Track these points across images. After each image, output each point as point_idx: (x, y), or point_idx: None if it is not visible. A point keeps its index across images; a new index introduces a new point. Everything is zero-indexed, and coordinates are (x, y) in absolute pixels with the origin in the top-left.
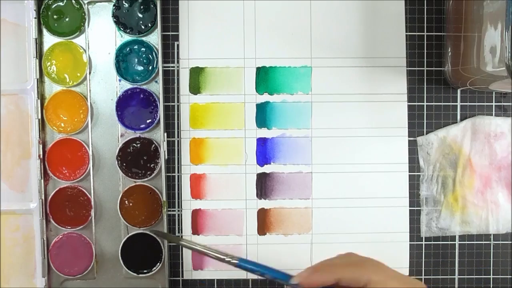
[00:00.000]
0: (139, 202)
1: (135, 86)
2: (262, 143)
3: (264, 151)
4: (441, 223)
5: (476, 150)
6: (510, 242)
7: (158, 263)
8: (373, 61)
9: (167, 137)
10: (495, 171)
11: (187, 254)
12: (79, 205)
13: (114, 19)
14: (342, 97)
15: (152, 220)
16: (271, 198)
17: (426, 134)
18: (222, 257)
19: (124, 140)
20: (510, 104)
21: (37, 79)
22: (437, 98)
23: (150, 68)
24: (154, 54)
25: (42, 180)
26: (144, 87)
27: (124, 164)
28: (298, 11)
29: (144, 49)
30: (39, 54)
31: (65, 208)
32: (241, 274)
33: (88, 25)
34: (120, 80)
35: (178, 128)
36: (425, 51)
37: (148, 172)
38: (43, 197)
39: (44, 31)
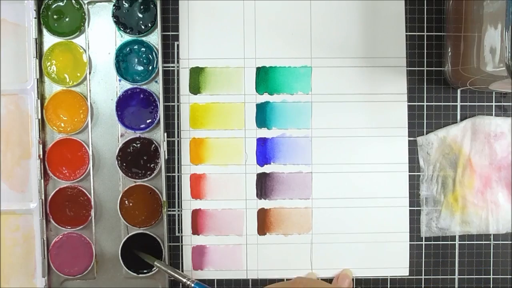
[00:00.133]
0: (139, 202)
1: (135, 86)
2: (262, 143)
3: (264, 151)
4: (441, 223)
5: (476, 150)
6: (510, 242)
7: None
8: (373, 61)
9: (167, 137)
10: (495, 171)
11: (187, 254)
12: (79, 205)
13: (114, 19)
14: (342, 97)
15: (152, 220)
16: (271, 198)
17: (426, 134)
18: (182, 279)
19: (124, 140)
20: (510, 104)
21: (37, 79)
22: (437, 98)
23: (150, 68)
24: (154, 54)
25: (42, 180)
26: (144, 87)
27: (124, 164)
28: (298, 11)
29: (144, 49)
30: (39, 54)
31: (65, 208)
32: (241, 274)
33: (88, 25)
34: (120, 80)
35: (178, 128)
36: (425, 51)
37: (148, 172)
38: (43, 197)
39: (44, 31)
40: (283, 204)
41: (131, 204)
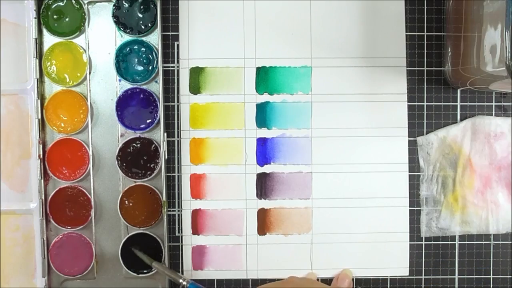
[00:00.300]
0: (139, 202)
1: (135, 86)
2: (262, 143)
3: (264, 151)
4: (441, 223)
5: (476, 150)
6: (510, 242)
7: None
8: (373, 61)
9: (167, 137)
10: (495, 171)
11: (187, 254)
12: (79, 205)
13: (114, 19)
14: (342, 97)
15: (152, 220)
16: (271, 198)
17: (426, 134)
18: (178, 279)
19: (124, 140)
20: (510, 104)
21: (37, 79)
22: (437, 98)
23: (150, 68)
24: (154, 54)
25: (42, 180)
26: (144, 87)
27: (124, 164)
28: (298, 11)
29: (144, 49)
30: (39, 54)
31: (65, 208)
32: (241, 274)
33: (88, 25)
34: (120, 80)
35: (178, 128)
36: (425, 51)
37: (148, 172)
38: (43, 197)
39: (44, 31)
40: (283, 204)
41: (131, 204)
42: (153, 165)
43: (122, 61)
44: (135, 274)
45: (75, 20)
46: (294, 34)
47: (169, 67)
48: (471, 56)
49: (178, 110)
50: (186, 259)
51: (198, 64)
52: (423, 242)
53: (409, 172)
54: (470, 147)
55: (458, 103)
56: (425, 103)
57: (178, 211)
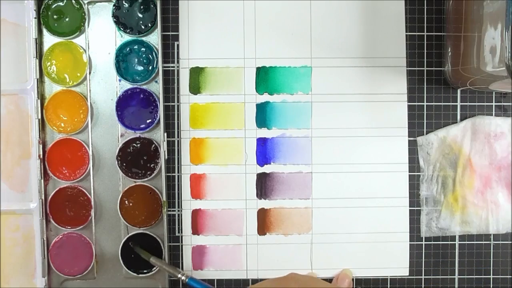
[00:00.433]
0: (139, 202)
1: (135, 86)
2: (262, 143)
3: (264, 151)
4: (441, 223)
5: (476, 150)
6: (510, 242)
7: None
8: (373, 61)
9: (167, 137)
10: (495, 171)
11: (187, 254)
12: (79, 205)
13: (114, 19)
14: (342, 97)
15: (152, 220)
16: (271, 198)
17: (426, 134)
18: (178, 275)
19: (124, 140)
20: (510, 104)
21: (37, 79)
22: (437, 98)
23: (150, 68)
24: (154, 54)
25: (42, 180)
26: (144, 87)
27: (124, 164)
28: (298, 11)
29: (144, 49)
30: (39, 54)
31: (65, 208)
32: (241, 274)
33: (88, 25)
34: (120, 80)
35: (178, 128)
36: (425, 51)
37: (148, 172)
38: (43, 197)
39: (44, 31)
40: (283, 204)
41: (131, 204)
42: (153, 165)
43: (122, 61)
44: (135, 274)
45: (75, 20)
46: (294, 34)
47: (169, 67)
48: (471, 56)
49: (178, 110)
50: (186, 259)
51: (198, 64)
52: (423, 242)
53: (409, 172)
54: (470, 147)
55: (458, 103)
56: (425, 103)
57: (178, 211)
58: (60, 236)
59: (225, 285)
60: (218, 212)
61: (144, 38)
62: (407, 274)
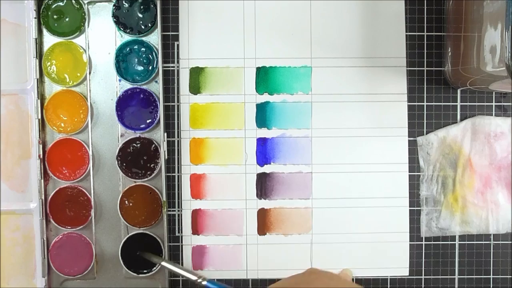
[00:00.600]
0: (139, 202)
1: (135, 86)
2: (262, 143)
3: (264, 151)
4: (441, 223)
5: (476, 150)
6: (510, 242)
7: (158, 263)
8: (373, 61)
9: (167, 137)
10: (495, 171)
11: (187, 254)
12: (79, 205)
13: (114, 19)
14: (342, 97)
15: (152, 220)
16: (271, 198)
17: (426, 134)
18: (194, 278)
19: (124, 140)
20: (510, 104)
21: (37, 79)
22: (437, 98)
23: (150, 68)
24: (154, 54)
25: (42, 180)
26: (144, 87)
27: (124, 164)
28: (298, 11)
29: (144, 49)
30: (39, 54)
31: (65, 208)
32: (241, 274)
33: (88, 25)
34: (120, 80)
35: (178, 128)
36: (425, 51)
37: (148, 172)
38: (43, 197)
39: (44, 31)
40: (283, 204)
41: (131, 204)
42: (153, 165)
43: (122, 61)
44: (135, 274)
45: (75, 20)
46: (294, 34)
47: (169, 67)
48: (471, 56)
49: (178, 110)
50: (186, 259)
51: (198, 64)
52: (423, 242)
53: (409, 172)
54: (470, 147)
55: (458, 103)
56: (425, 103)
57: (178, 211)
58: (60, 236)
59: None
60: (218, 212)
61: (144, 38)
62: (407, 274)
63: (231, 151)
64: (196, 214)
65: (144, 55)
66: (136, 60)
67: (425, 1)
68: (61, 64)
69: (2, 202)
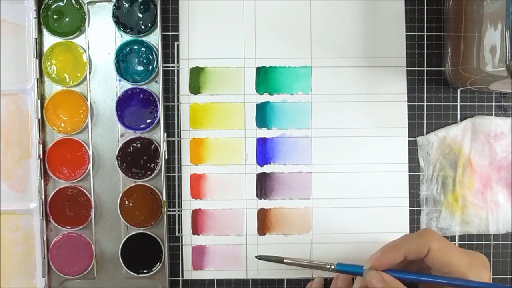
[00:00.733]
0: (139, 202)
1: (135, 86)
2: (262, 143)
3: (264, 151)
4: (441, 223)
5: (476, 150)
6: (510, 242)
7: (158, 263)
8: (373, 61)
9: (167, 137)
10: (495, 171)
11: (187, 254)
12: (79, 205)
13: (114, 19)
14: (342, 97)
15: (152, 220)
16: (271, 198)
17: (426, 134)
18: (322, 265)
19: (124, 140)
20: (510, 104)
21: (37, 79)
22: (437, 98)
23: (150, 68)
24: (154, 54)
25: (42, 180)
26: (144, 87)
27: (124, 164)
28: (298, 11)
29: (144, 49)
30: (39, 54)
31: (65, 208)
32: (241, 274)
33: (88, 25)
34: (120, 80)
35: (178, 128)
36: (425, 51)
37: (148, 172)
38: (43, 197)
39: (44, 31)
40: (283, 204)
41: (131, 204)
42: (153, 165)
43: (122, 61)
44: (135, 274)
45: (75, 20)
46: (294, 34)
47: (169, 67)
48: (471, 56)
49: (178, 110)
50: (186, 259)
51: (198, 64)
52: None
53: (409, 172)
54: (470, 147)
55: (458, 103)
56: (425, 103)
57: (178, 211)
58: (60, 236)
59: (225, 285)
60: (218, 212)
61: (144, 38)
62: None
63: (231, 151)
64: (196, 214)
65: (144, 55)
66: (136, 60)
67: (425, 1)
68: (61, 64)
69: (2, 202)
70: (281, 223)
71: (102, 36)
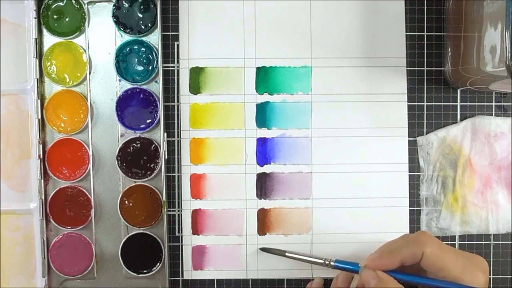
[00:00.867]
0: (139, 202)
1: (135, 86)
2: (262, 143)
3: (264, 151)
4: (441, 223)
5: (476, 150)
6: (510, 242)
7: (158, 263)
8: (373, 61)
9: (167, 137)
10: (495, 171)
11: (187, 254)
12: (79, 205)
13: (114, 19)
14: (342, 97)
15: (152, 220)
16: (271, 198)
17: (426, 134)
18: (321, 261)
19: (124, 140)
20: (510, 104)
21: (37, 79)
22: (437, 98)
23: (150, 68)
24: (154, 54)
25: (42, 180)
26: (144, 87)
27: (124, 164)
28: (298, 11)
29: (144, 49)
30: (39, 54)
31: (65, 208)
32: (241, 274)
33: (88, 25)
34: (120, 80)
35: (178, 128)
36: (425, 51)
37: (148, 172)
38: (43, 197)
39: (44, 31)
40: (283, 204)
41: (131, 204)
42: (153, 165)
43: (122, 61)
44: (135, 274)
45: (75, 20)
46: (294, 34)
47: (169, 67)
48: (471, 56)
49: (178, 110)
50: (186, 259)
51: (198, 64)
52: None
53: (409, 172)
54: (470, 147)
55: (458, 103)
56: (425, 103)
57: (178, 211)
58: (60, 236)
59: (225, 285)
60: (218, 212)
61: (144, 38)
62: None
63: (231, 151)
64: (196, 214)
65: (144, 55)
66: (136, 60)
67: (425, 1)
68: (61, 64)
69: (2, 202)
70: (281, 223)
71: (102, 36)
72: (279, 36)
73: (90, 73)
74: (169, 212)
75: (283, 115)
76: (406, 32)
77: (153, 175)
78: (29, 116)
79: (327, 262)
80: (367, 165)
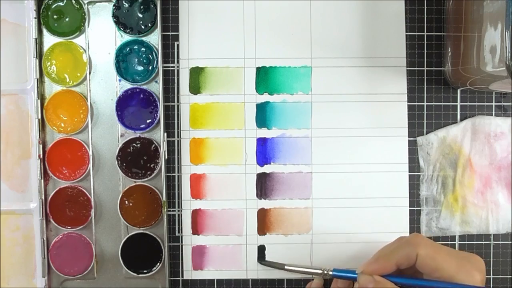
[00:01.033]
0: (139, 202)
1: (135, 86)
2: (262, 143)
3: (264, 151)
4: (441, 223)
5: (476, 150)
6: (510, 242)
7: (158, 263)
8: (373, 61)
9: (167, 137)
10: (495, 171)
11: (187, 254)
12: (79, 205)
13: (114, 19)
14: (342, 97)
15: (152, 220)
16: (271, 198)
17: (426, 134)
18: (319, 271)
19: (124, 140)
20: (510, 104)
21: (37, 79)
22: (437, 98)
23: (150, 68)
24: (154, 54)
25: (42, 180)
26: (144, 87)
27: (124, 164)
28: (298, 11)
29: (144, 49)
30: (39, 54)
31: (65, 208)
32: (241, 274)
33: (88, 25)
34: (120, 80)
35: (178, 128)
36: (425, 51)
37: (148, 172)
38: (43, 197)
39: (44, 31)
40: (283, 204)
41: (131, 204)
42: (153, 165)
43: (122, 61)
44: (135, 274)
45: (75, 20)
46: (294, 34)
47: (169, 67)
48: (471, 56)
49: (178, 110)
50: (186, 259)
51: (198, 64)
52: None
53: (409, 172)
54: (470, 147)
55: (458, 103)
56: (425, 103)
57: (178, 211)
58: (60, 236)
59: (225, 285)
60: (218, 212)
61: (144, 38)
62: None
63: (231, 151)
64: (196, 214)
65: (144, 55)
66: (136, 60)
67: (425, 1)
68: (61, 64)
69: (2, 202)
70: (281, 223)
71: (102, 36)
72: (279, 36)
73: (90, 73)
74: (169, 212)
75: (283, 115)
76: (406, 32)
77: (153, 175)
78: (29, 116)
79: (325, 272)
80: (367, 165)
